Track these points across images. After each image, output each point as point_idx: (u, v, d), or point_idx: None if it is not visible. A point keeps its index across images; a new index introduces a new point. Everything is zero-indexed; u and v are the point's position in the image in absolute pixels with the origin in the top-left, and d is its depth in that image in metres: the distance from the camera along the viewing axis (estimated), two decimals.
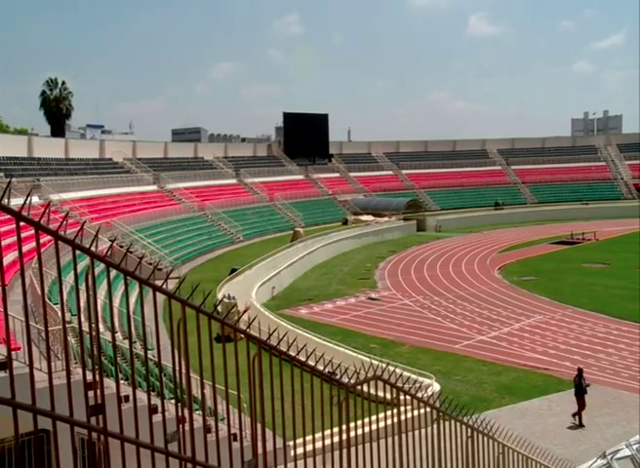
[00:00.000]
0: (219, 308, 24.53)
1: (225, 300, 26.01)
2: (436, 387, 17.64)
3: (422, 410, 7.00)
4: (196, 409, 5.55)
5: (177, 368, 3.61)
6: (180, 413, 3.49)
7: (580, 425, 17.08)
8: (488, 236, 59.38)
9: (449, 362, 22.87)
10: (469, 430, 7.99)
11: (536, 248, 51.07)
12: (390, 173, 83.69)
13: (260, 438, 4.27)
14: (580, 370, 17.83)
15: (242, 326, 4.15)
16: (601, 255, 45.90)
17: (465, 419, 8.01)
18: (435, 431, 6.93)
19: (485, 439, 8.42)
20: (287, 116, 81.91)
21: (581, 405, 17.22)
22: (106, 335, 13.44)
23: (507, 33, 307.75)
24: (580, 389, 17.31)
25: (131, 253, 34.62)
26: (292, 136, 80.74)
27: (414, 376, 17.53)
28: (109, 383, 4.32)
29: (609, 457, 12.63)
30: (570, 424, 17.35)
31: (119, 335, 18.74)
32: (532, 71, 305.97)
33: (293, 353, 4.52)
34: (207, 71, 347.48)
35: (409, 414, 6.51)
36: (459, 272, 41.17)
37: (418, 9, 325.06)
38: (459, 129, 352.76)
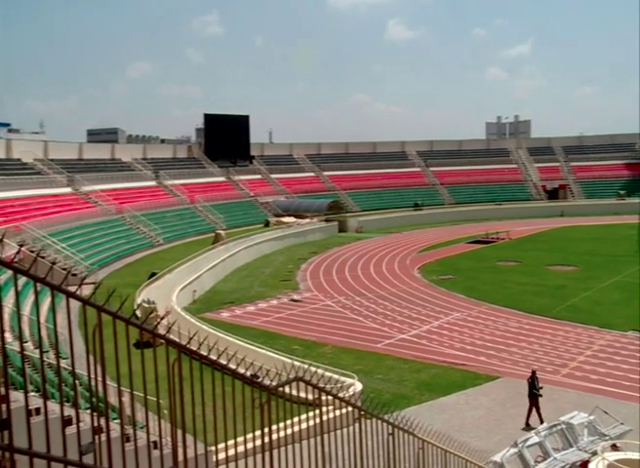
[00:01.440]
0: (137, 313, 23.94)
1: (144, 305, 25.40)
2: (358, 386, 17.86)
3: (344, 410, 7.09)
4: (114, 418, 5.40)
5: (92, 376, 3.51)
6: (96, 423, 3.39)
7: (527, 425, 17.00)
8: (408, 236, 60.74)
9: (371, 361, 23.22)
10: (390, 427, 8.14)
11: (453, 247, 52.67)
12: (312, 174, 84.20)
13: (180, 444, 4.21)
14: (533, 373, 18.00)
15: (162, 331, 4.08)
16: (514, 254, 47.85)
17: (387, 417, 8.16)
18: (357, 430, 7.03)
19: (405, 435, 8.60)
20: (208, 117, 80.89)
21: (533, 406, 17.28)
22: (14, 345, 12.85)
23: (424, 39, 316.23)
24: (532, 390, 17.45)
25: (42, 258, 33.38)
26: (213, 138, 79.81)
27: (336, 377, 17.72)
28: (18, 396, 4.13)
29: (520, 445, 13.24)
30: (486, 417, 17.98)
31: (29, 345, 17.94)
32: (449, 76, 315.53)
33: (214, 357, 4.48)
34: (124, 70, 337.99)
35: (331, 415, 6.58)
36: (379, 272, 41.90)
37: (338, 12, 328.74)
38: (379, 131, 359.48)
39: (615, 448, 12.99)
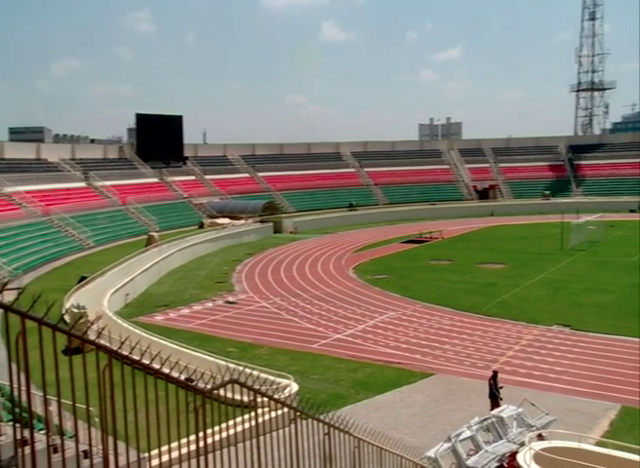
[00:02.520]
0: (66, 318, 23.21)
1: (73, 310, 24.64)
2: (294, 387, 17.87)
3: (280, 411, 7.09)
4: (40, 429, 5.21)
5: (15, 385, 3.38)
6: (19, 435, 3.26)
7: None
8: (343, 236, 61.23)
9: (307, 361, 23.28)
10: (326, 427, 8.19)
11: (388, 247, 53.44)
12: (247, 175, 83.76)
13: (112, 453, 4.11)
14: (494, 373, 18.14)
15: (92, 336, 3.97)
16: (446, 253, 48.98)
17: (322, 417, 8.20)
18: (293, 431, 7.03)
19: (341, 435, 8.66)
20: (140, 117, 79.18)
21: (494, 407, 17.17)
22: None
23: (358, 41, 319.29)
24: (493, 391, 17.56)
25: None
26: (145, 138, 78.17)
27: (271, 378, 17.68)
28: None
29: (453, 440, 13.56)
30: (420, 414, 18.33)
31: None
32: (382, 78, 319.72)
33: (146, 361, 4.39)
34: (49, 67, 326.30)
35: (267, 416, 6.56)
36: (315, 273, 42.07)
37: (272, 12, 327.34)
38: (314, 132, 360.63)
39: (540, 437, 13.51)
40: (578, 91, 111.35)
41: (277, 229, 65.52)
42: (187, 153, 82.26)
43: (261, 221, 65.34)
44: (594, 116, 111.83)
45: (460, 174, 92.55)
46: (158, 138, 77.45)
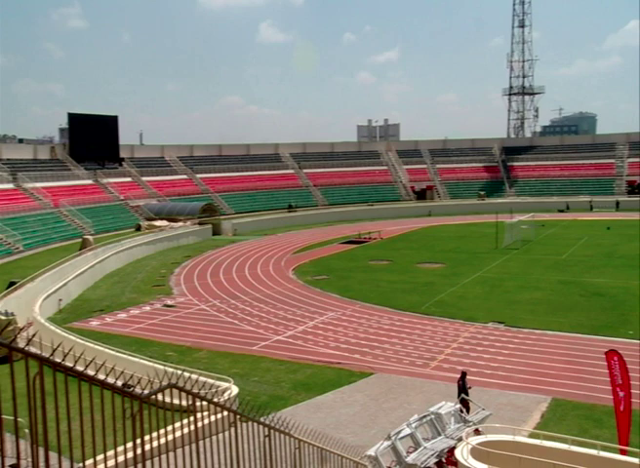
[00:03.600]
0: None
1: (1, 317, 23.71)
2: (234, 390, 17.74)
3: (220, 415, 7.02)
4: None
5: None
6: None
7: None
8: (282, 238, 61.20)
9: (247, 364, 23.14)
10: (266, 429, 8.17)
11: (327, 248, 53.72)
12: (185, 177, 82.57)
13: (43, 465, 3.97)
14: (463, 374, 18.08)
15: (22, 343, 3.83)
16: (385, 253, 49.62)
17: (263, 419, 8.18)
18: (233, 434, 6.98)
19: (282, 436, 8.66)
20: (72, 117, 76.75)
21: (465, 407, 16.97)
22: None
23: (297, 42, 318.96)
24: (462, 391, 17.46)
25: None
26: (79, 139, 75.86)
27: (211, 381, 17.48)
28: None
29: (393, 438, 13.74)
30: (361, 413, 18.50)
31: None
32: (321, 79, 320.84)
33: (80, 368, 4.27)
34: None
35: (206, 421, 6.49)
36: (255, 274, 41.87)
37: (209, 11, 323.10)
38: (252, 133, 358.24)
39: (477, 432, 13.86)
40: (510, 95, 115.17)
41: (216, 231, 64.92)
42: (123, 154, 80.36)
43: (200, 223, 64.58)
44: (525, 119, 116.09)
45: (397, 175, 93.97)
46: (92, 139, 75.35)
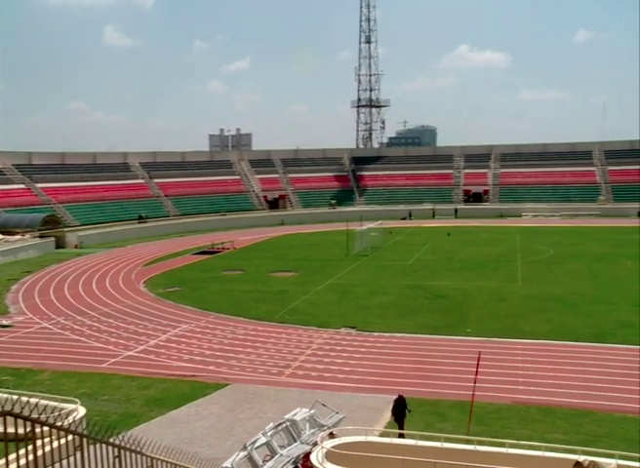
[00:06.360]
0: None
1: None
2: (81, 411, 16.74)
3: (64, 440, 6.61)
4: None
5: None
6: None
7: None
8: (133, 250, 58.97)
9: (95, 382, 21.99)
10: (116, 450, 7.81)
11: (179, 259, 52.54)
12: (22, 186, 76.84)
13: None
14: (401, 397, 17.22)
15: None
16: (239, 263, 49.44)
17: (113, 439, 7.81)
18: (79, 458, 6.60)
19: (134, 455, 8.33)
20: None
21: (400, 427, 16.66)
22: None
23: (145, 48, 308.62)
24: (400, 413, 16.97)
25: None
26: None
27: (54, 404, 16.38)
28: None
29: (249, 448, 13.71)
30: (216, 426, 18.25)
31: None
32: (171, 87, 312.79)
33: None
34: None
35: (47, 448, 6.06)
36: (103, 288, 39.94)
37: (46, 8, 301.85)
38: (99, 141, 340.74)
39: (332, 435, 14.20)
40: (358, 107, 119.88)
41: (60, 244, 61.14)
42: None
43: (41, 236, 60.44)
44: (373, 131, 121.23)
45: (250, 184, 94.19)
46: None
